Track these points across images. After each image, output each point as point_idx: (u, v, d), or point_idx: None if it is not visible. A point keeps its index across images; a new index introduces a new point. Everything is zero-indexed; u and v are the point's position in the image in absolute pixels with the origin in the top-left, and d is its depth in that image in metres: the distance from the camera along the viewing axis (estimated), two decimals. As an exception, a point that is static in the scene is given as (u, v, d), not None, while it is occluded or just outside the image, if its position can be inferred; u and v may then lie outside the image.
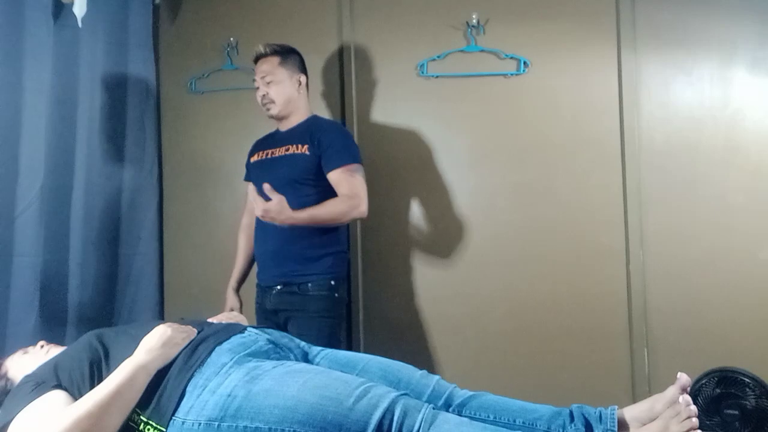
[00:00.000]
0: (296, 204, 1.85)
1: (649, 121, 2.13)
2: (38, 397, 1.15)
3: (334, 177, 1.83)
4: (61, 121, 2.05)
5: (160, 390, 1.18)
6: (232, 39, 2.40)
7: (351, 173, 1.84)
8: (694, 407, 1.14)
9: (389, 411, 1.09)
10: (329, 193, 1.85)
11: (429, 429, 1.08)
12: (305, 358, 1.40)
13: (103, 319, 2.17)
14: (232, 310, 2.04)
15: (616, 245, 2.13)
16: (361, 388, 1.13)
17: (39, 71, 1.97)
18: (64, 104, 2.07)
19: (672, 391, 1.18)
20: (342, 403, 1.10)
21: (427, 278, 2.25)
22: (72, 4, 1.95)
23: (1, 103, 1.88)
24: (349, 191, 1.81)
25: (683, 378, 1.19)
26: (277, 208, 1.71)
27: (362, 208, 1.83)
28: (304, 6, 2.37)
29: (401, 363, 1.39)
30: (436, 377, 1.36)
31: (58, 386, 1.19)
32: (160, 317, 2.40)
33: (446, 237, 2.24)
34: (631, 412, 1.21)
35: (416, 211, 2.27)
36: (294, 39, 2.26)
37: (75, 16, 1.95)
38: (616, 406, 1.22)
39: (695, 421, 1.12)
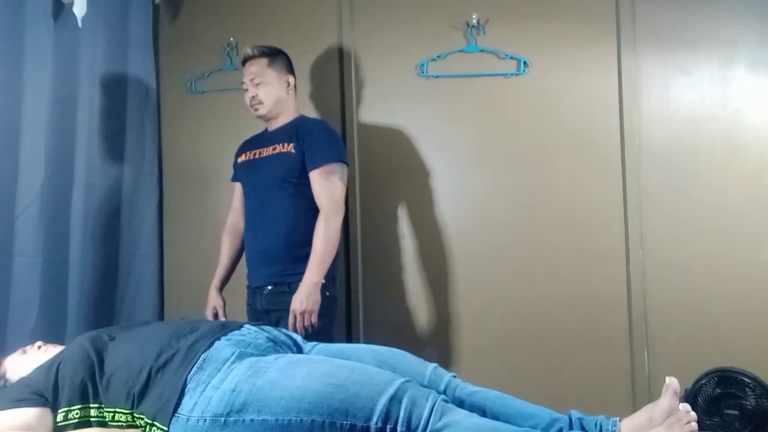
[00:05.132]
0: (283, 203, 1.87)
1: (649, 121, 2.12)
2: (9, 408, 1.17)
3: (314, 180, 1.85)
4: (61, 121, 2.06)
5: (159, 389, 1.18)
6: (232, 39, 2.40)
7: (329, 176, 1.84)
8: (693, 414, 1.16)
9: (396, 398, 1.10)
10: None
11: (440, 419, 1.09)
12: (300, 353, 1.40)
13: (103, 319, 2.17)
14: (215, 309, 2.04)
15: (616, 245, 2.12)
16: (366, 374, 1.15)
17: (39, 71, 1.97)
18: (64, 104, 2.07)
19: (666, 399, 1.18)
20: (348, 389, 1.11)
21: (427, 278, 2.25)
22: (72, 4, 1.96)
23: (1, 104, 1.88)
24: (328, 200, 1.82)
25: (673, 383, 1.19)
26: (305, 298, 1.74)
27: (342, 210, 1.86)
28: (304, 6, 2.37)
29: (395, 350, 1.39)
30: (433, 365, 1.36)
31: (39, 403, 1.20)
32: (160, 317, 2.40)
33: (446, 237, 2.24)
34: (629, 425, 1.20)
35: (416, 211, 2.27)
36: (294, 39, 2.27)
37: (75, 16, 1.95)
38: (618, 419, 1.21)
39: (695, 425, 1.14)
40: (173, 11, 2.50)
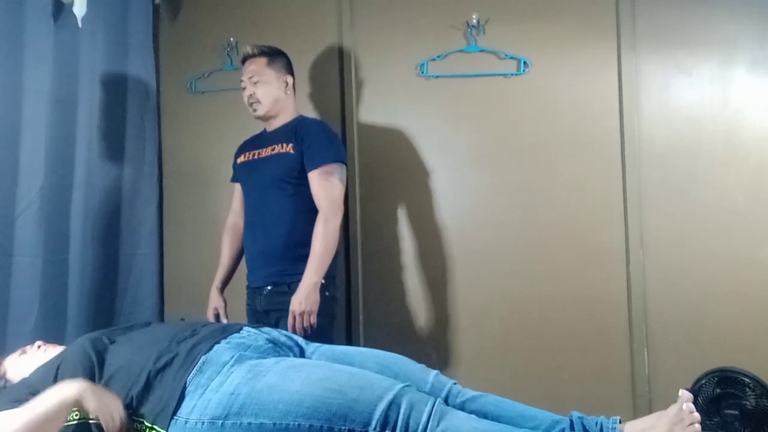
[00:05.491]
0: (282, 203, 1.87)
1: (649, 121, 2.12)
2: (9, 409, 1.16)
3: (313, 180, 1.85)
4: (61, 121, 2.06)
5: (159, 392, 1.18)
6: (232, 39, 2.40)
7: (327, 176, 1.84)
8: (697, 414, 1.14)
9: (395, 403, 1.10)
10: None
11: (439, 424, 1.09)
12: (302, 355, 1.40)
13: (103, 319, 2.17)
14: (216, 309, 2.04)
15: (616, 245, 2.12)
16: (365, 379, 1.14)
17: (39, 71, 1.97)
18: (64, 104, 2.07)
19: (675, 409, 1.16)
20: (347, 394, 1.10)
21: (427, 279, 2.25)
22: (72, 4, 1.96)
23: (1, 104, 1.88)
24: (327, 201, 1.82)
25: (685, 396, 1.17)
26: (304, 298, 1.73)
27: (341, 210, 1.86)
28: (304, 6, 2.37)
29: (398, 356, 1.39)
30: (434, 372, 1.36)
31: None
32: (160, 317, 2.40)
33: (446, 237, 2.24)
34: (633, 428, 1.18)
35: (416, 211, 2.27)
36: (294, 39, 2.27)
37: (75, 16, 1.95)
38: (618, 418, 1.20)
39: (698, 426, 1.12)
40: (173, 11, 2.50)
